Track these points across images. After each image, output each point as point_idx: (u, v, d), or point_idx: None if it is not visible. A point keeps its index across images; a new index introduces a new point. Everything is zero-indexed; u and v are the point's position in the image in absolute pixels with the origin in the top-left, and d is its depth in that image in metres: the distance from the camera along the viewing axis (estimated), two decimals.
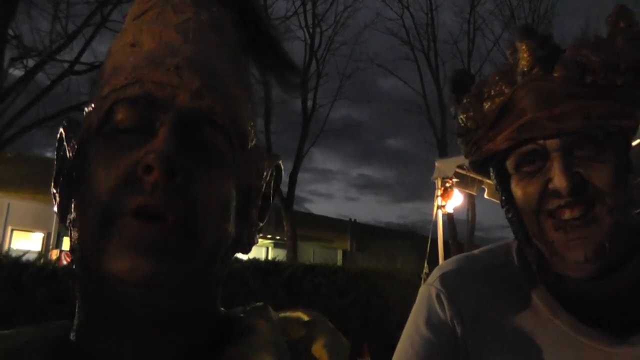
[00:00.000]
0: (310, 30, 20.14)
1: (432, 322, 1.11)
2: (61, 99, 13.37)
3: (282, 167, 0.78)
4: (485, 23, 25.04)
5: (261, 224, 0.73)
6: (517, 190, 1.02)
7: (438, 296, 1.12)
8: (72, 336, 0.63)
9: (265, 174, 0.72)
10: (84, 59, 13.67)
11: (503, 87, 1.02)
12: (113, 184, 0.57)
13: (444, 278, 1.15)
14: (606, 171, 0.94)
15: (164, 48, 0.63)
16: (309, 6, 20.17)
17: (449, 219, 15.74)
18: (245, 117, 0.67)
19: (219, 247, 0.62)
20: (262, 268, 9.47)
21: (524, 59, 1.00)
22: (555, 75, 0.97)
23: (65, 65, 13.24)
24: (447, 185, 6.69)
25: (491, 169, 1.10)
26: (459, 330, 1.08)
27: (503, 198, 1.07)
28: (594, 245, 0.94)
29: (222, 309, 0.71)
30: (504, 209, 1.08)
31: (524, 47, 1.00)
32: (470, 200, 13.50)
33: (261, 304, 0.72)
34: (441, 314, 1.11)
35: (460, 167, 6.26)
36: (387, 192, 53.56)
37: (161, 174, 0.55)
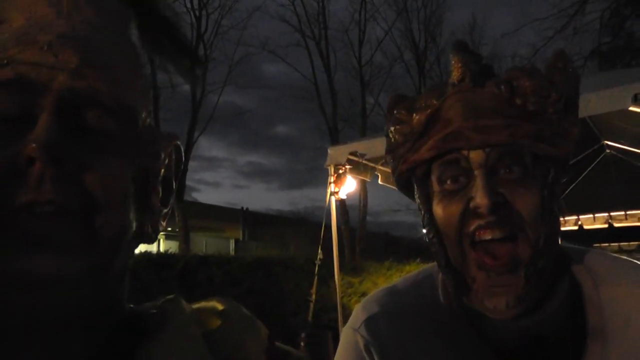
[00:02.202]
0: (197, 13, 19.66)
1: None
2: None
3: (182, 148, 0.73)
4: (378, 12, 25.63)
5: (165, 210, 0.68)
6: (438, 209, 0.99)
7: (366, 347, 1.07)
8: None
9: (162, 155, 0.67)
10: None
11: (433, 100, 1.00)
12: None
13: (369, 323, 1.09)
14: (531, 198, 0.92)
15: (35, 24, 0.57)
16: None
17: (342, 205, 16.03)
18: (134, 95, 0.62)
19: (120, 237, 0.58)
20: (155, 261, 9.24)
21: (455, 70, 0.99)
22: (486, 90, 0.96)
23: None
24: (340, 172, 6.76)
25: (415, 186, 1.06)
26: None
27: (425, 218, 1.03)
28: (516, 292, 0.91)
29: (131, 305, 0.68)
30: (425, 230, 1.03)
31: (457, 59, 1.00)
32: (363, 186, 13.81)
33: (172, 296, 0.69)
34: None
35: (352, 154, 6.35)
36: (277, 180, 53.67)
37: (44, 164, 0.51)
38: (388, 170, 6.62)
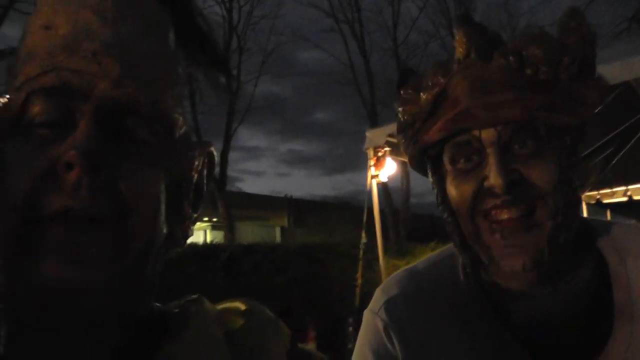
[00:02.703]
0: (228, 6, 19.72)
1: (379, 354, 1.07)
2: None
3: (215, 154, 0.74)
4: None
5: (195, 216, 0.71)
6: (451, 189, 0.97)
7: (386, 329, 1.07)
8: None
9: (196, 163, 0.70)
10: None
11: (439, 77, 0.96)
12: (31, 184, 0.54)
13: (389, 307, 1.09)
14: (547, 169, 0.89)
15: (80, 31, 0.59)
16: None
17: (384, 187, 15.94)
18: (171, 104, 0.63)
19: (151, 246, 0.60)
20: (200, 252, 9.38)
21: (460, 45, 0.95)
22: (493, 63, 0.91)
23: None
24: (380, 154, 6.71)
25: (428, 166, 1.04)
26: None
27: (439, 197, 1.01)
28: (533, 252, 0.88)
29: (158, 304, 0.69)
30: (440, 209, 1.02)
31: (461, 34, 0.96)
32: (404, 168, 13.70)
33: (196, 296, 0.71)
34: (389, 346, 1.06)
35: (391, 135, 6.28)
36: (318, 166, 54.07)
37: (83, 171, 0.53)
38: None
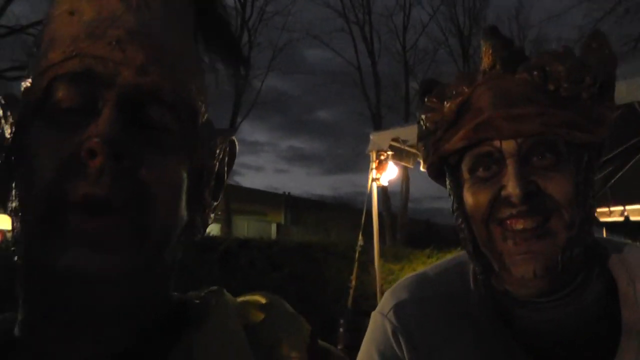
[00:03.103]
0: (241, 0, 19.71)
1: (386, 356, 1.07)
2: None
3: (236, 143, 0.74)
4: None
5: (215, 204, 0.71)
6: (468, 196, 0.98)
7: (394, 332, 1.08)
8: (16, 331, 0.61)
9: (218, 151, 0.70)
10: (3, 21, 12.87)
11: (464, 87, 0.99)
12: (55, 170, 0.54)
13: (398, 310, 1.10)
14: (564, 182, 0.91)
15: (105, 18, 0.59)
16: None
17: (383, 191, 15.96)
18: (195, 92, 0.64)
19: (171, 234, 0.60)
20: (196, 243, 9.26)
21: (486, 57, 0.97)
22: (517, 76, 0.94)
23: None
24: (382, 158, 6.72)
25: (446, 173, 1.06)
26: None
27: (455, 204, 1.03)
28: (544, 260, 0.90)
29: (176, 294, 0.69)
30: (454, 215, 1.04)
31: (487, 46, 0.98)
32: (405, 172, 13.71)
33: (216, 288, 0.70)
34: (397, 350, 1.07)
35: (395, 140, 6.31)
36: (318, 164, 53.98)
37: (105, 159, 0.53)
38: None
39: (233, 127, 18.26)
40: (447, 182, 1.06)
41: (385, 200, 18.76)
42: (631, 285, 0.98)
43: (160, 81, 0.58)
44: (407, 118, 21.24)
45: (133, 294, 0.58)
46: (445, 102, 1.00)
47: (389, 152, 6.59)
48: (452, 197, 1.04)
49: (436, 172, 1.09)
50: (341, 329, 6.71)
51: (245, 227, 21.89)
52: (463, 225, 1.01)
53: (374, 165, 6.80)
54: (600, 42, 0.96)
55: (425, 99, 1.04)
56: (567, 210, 0.90)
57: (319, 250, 10.85)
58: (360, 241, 7.39)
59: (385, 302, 1.14)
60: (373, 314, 1.15)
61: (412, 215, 22.46)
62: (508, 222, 0.92)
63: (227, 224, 16.96)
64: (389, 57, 26.78)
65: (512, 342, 0.99)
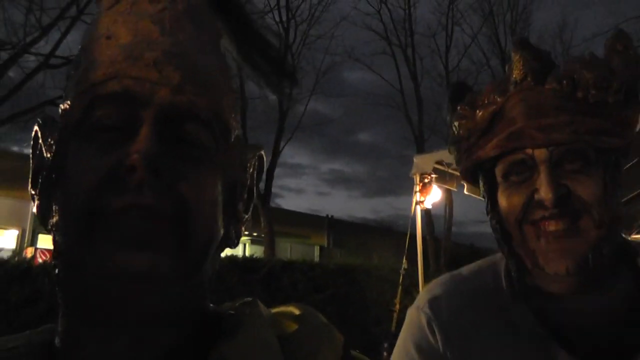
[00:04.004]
0: (285, 25, 19.98)
1: (422, 347, 1.11)
2: (37, 92, 13.16)
3: (265, 158, 0.76)
4: (463, 18, 25.18)
5: (247, 217, 0.72)
6: (502, 199, 1.04)
7: (429, 323, 1.12)
8: (57, 341, 0.62)
9: (248, 165, 0.72)
10: (59, 52, 13.40)
11: (496, 97, 1.04)
12: (95, 185, 0.56)
13: (433, 303, 1.15)
14: (593, 184, 0.95)
15: (141, 41, 0.61)
16: (282, 1, 19.97)
17: (427, 214, 15.83)
18: (228, 110, 0.66)
19: (210, 245, 0.62)
20: (240, 265, 9.42)
21: (517, 69, 1.02)
22: (547, 87, 0.98)
23: (40, 58, 12.98)
24: (426, 180, 6.70)
25: (480, 177, 1.11)
26: (449, 357, 1.08)
27: (489, 206, 1.08)
28: (576, 257, 0.94)
29: (212, 305, 0.70)
30: (489, 217, 1.08)
31: (518, 57, 1.02)
32: (448, 195, 13.58)
33: (250, 299, 0.71)
34: (432, 340, 1.10)
35: (438, 162, 6.29)
36: (359, 187, 53.88)
37: (145, 174, 0.55)
38: None
39: (277, 150, 18.32)
40: (481, 185, 1.11)
41: (428, 224, 18.56)
42: None
43: (195, 99, 0.60)
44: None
45: (174, 297, 0.60)
46: (478, 111, 1.05)
47: (433, 175, 6.57)
48: (486, 199, 1.09)
49: (470, 176, 1.15)
50: (385, 353, 6.65)
51: (288, 249, 21.96)
52: (497, 226, 1.06)
53: (417, 188, 6.78)
54: (624, 44, 0.99)
55: (458, 107, 1.09)
56: (596, 210, 0.95)
57: (361, 272, 10.81)
58: (405, 264, 7.35)
59: (420, 298, 1.18)
60: (409, 310, 1.20)
61: (456, 239, 22.19)
62: (541, 223, 0.97)
63: (270, 246, 17.01)
64: (430, 80, 26.77)
65: (541, 331, 1.01)
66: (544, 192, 0.95)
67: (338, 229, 25.73)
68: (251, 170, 0.73)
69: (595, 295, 0.98)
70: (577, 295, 0.98)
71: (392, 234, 18.29)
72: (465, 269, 1.22)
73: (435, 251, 18.63)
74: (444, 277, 1.22)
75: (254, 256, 10.91)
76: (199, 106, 0.61)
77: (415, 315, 1.16)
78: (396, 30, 23.28)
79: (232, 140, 0.66)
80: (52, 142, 0.64)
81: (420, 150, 19.07)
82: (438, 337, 1.09)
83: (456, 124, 1.10)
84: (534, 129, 0.96)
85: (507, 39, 24.08)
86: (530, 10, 23.88)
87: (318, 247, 25.04)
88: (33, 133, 0.68)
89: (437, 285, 1.20)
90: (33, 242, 16.76)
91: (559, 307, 1.00)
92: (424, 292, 1.19)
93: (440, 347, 1.09)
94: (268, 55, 0.74)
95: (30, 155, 0.68)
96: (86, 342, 0.59)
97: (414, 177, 6.79)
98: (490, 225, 1.08)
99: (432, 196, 6.87)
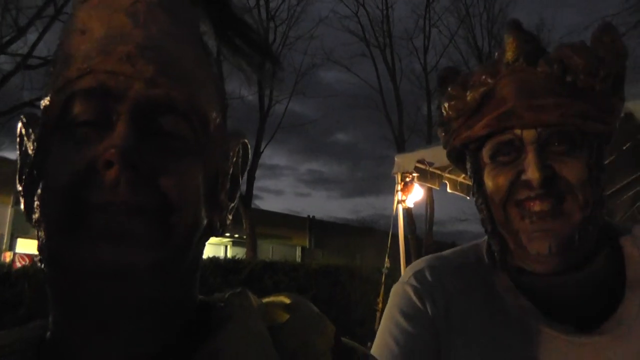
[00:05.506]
0: (265, 25, 19.92)
1: (409, 314, 1.11)
2: (14, 95, 12.97)
3: (249, 146, 0.76)
4: (440, 20, 25.33)
5: (232, 205, 0.71)
6: (488, 180, 1.05)
7: (416, 292, 1.13)
8: (48, 336, 0.63)
9: (231, 154, 0.71)
10: (37, 52, 13.23)
11: (487, 78, 1.05)
12: (73, 180, 0.55)
13: (418, 274, 1.16)
14: (578, 166, 0.98)
15: (114, 34, 0.61)
16: (262, 1, 19.94)
17: (408, 213, 15.90)
18: (206, 99, 0.65)
19: (192, 236, 0.62)
20: (222, 266, 9.41)
21: (510, 50, 1.03)
22: (539, 69, 1.00)
23: (18, 59, 12.80)
24: (407, 179, 6.71)
25: (467, 158, 1.12)
26: (437, 321, 1.09)
27: (475, 186, 1.09)
28: (559, 237, 0.96)
29: (201, 296, 0.70)
30: (474, 197, 1.10)
31: (511, 39, 1.03)
32: (430, 194, 13.65)
33: (240, 289, 0.71)
34: (420, 306, 1.11)
35: (420, 161, 6.30)
36: (338, 187, 53.81)
37: (121, 168, 0.54)
38: (456, 178, 6.47)
39: (258, 151, 18.12)
40: (468, 166, 1.12)
41: (410, 223, 18.65)
42: (636, 247, 1.05)
43: (170, 91, 0.60)
44: (429, 140, 21.19)
45: (160, 288, 0.59)
46: (468, 91, 1.06)
47: (415, 174, 6.58)
48: (472, 180, 1.11)
49: (457, 156, 1.16)
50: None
51: (270, 250, 21.94)
52: (483, 206, 1.08)
53: (399, 187, 6.79)
54: (611, 36, 1.01)
55: (449, 88, 1.10)
56: (581, 192, 0.97)
57: (344, 273, 10.84)
58: (387, 263, 7.36)
59: (404, 274, 1.20)
60: (394, 286, 1.20)
61: (437, 238, 22.28)
62: (525, 203, 0.99)
63: (252, 248, 16.97)
64: (409, 81, 26.89)
65: (521, 297, 1.04)
66: (531, 173, 0.96)
67: (319, 230, 25.77)
68: (235, 159, 0.72)
69: (577, 274, 1.01)
70: (559, 274, 1.01)
71: (374, 233, 18.33)
72: (447, 251, 1.24)
73: (417, 250, 18.70)
74: (426, 257, 1.24)
75: (236, 257, 10.89)
76: (175, 98, 0.60)
77: (401, 289, 1.16)
78: (374, 32, 23.39)
79: (213, 129, 0.66)
80: (34, 138, 0.64)
81: (401, 150, 19.14)
82: (426, 302, 1.10)
83: (446, 105, 1.11)
84: (523, 108, 0.98)
85: (484, 39, 24.30)
86: (506, 13, 23.99)
87: (300, 248, 25.06)
88: (17, 130, 0.67)
89: (421, 261, 1.21)
90: (12, 246, 16.56)
91: (540, 281, 1.03)
92: (408, 269, 1.20)
93: (429, 310, 1.09)
94: (249, 37, 0.74)
95: (17, 153, 0.67)
96: (74, 336, 0.59)
97: (396, 176, 6.79)
98: (475, 205, 1.10)
99: (414, 195, 6.89)
